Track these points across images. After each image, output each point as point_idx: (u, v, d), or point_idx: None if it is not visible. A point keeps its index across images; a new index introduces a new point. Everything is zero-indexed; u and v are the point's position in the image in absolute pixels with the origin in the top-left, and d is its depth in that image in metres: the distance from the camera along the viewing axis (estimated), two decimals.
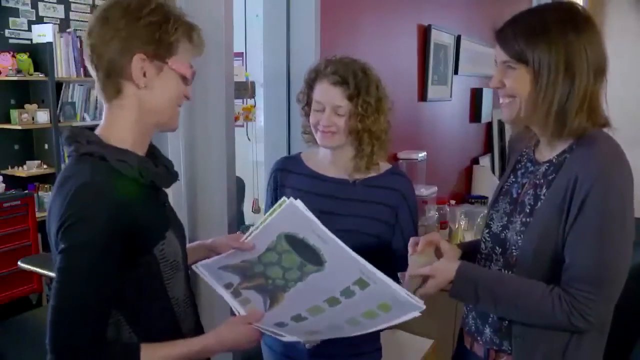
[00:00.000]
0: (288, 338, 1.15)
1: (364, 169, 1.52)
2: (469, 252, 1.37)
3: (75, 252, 0.95)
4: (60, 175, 1.04)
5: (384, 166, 1.57)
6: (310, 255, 1.12)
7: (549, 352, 1.20)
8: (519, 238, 1.22)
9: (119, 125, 1.07)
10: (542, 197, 1.20)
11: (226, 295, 1.21)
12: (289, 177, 1.60)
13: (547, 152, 1.25)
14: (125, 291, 1.01)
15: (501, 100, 1.23)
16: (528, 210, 1.22)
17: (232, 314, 1.70)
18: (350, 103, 1.45)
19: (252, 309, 1.18)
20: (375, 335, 1.65)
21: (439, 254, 1.27)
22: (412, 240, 1.28)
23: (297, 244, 1.12)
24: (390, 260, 1.49)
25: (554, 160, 1.22)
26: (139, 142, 1.10)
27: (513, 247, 1.23)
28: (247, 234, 1.19)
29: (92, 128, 1.10)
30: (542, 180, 1.22)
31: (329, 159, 1.56)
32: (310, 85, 1.52)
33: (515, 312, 1.19)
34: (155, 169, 1.10)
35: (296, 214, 1.10)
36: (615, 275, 1.12)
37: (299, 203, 1.09)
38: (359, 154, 1.51)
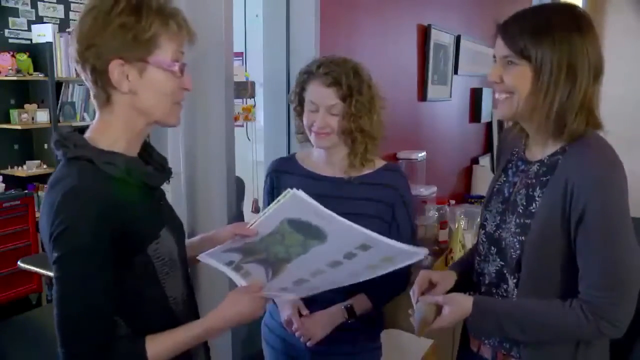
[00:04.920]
0: (285, 295, 1.16)
1: (359, 165, 1.53)
2: (463, 270, 1.39)
3: (68, 260, 0.95)
4: (50, 178, 1.04)
5: (379, 163, 1.58)
6: (313, 233, 1.12)
7: (557, 355, 1.21)
8: (515, 240, 1.21)
9: (110, 130, 1.06)
10: (536, 198, 1.20)
11: (227, 271, 1.20)
12: (284, 178, 1.60)
13: (538, 152, 1.25)
14: (122, 292, 1.01)
15: (497, 96, 1.22)
16: (521, 211, 1.22)
17: None
18: (344, 103, 1.46)
19: (254, 280, 1.17)
20: (376, 334, 1.66)
21: (433, 286, 1.30)
22: (411, 290, 1.29)
23: (300, 225, 1.13)
24: None
25: (545, 161, 1.21)
26: (132, 143, 1.08)
27: (511, 250, 1.23)
28: (251, 222, 1.19)
29: (87, 127, 1.09)
30: (534, 180, 1.22)
31: (323, 158, 1.57)
32: (302, 86, 1.53)
33: (544, 335, 1.18)
34: (144, 168, 1.09)
35: (300, 204, 1.11)
36: (632, 274, 1.12)
37: (301, 193, 1.10)
38: (353, 152, 1.52)
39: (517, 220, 1.22)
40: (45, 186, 4.00)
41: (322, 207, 1.10)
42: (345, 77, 1.45)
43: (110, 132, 1.06)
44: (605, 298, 1.11)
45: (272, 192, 1.62)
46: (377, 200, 1.52)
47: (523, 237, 1.20)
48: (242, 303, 1.12)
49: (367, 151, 1.52)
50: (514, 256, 1.22)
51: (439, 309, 1.23)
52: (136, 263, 1.04)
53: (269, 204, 1.62)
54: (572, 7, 1.19)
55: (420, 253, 1.11)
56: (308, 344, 1.47)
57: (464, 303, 1.21)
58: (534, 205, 1.20)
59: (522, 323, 1.18)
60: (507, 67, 1.17)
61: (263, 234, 1.17)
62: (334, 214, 1.10)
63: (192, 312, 1.21)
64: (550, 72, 1.12)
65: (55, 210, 0.95)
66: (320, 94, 1.47)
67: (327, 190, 1.53)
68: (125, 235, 0.99)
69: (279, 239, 1.16)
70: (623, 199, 1.12)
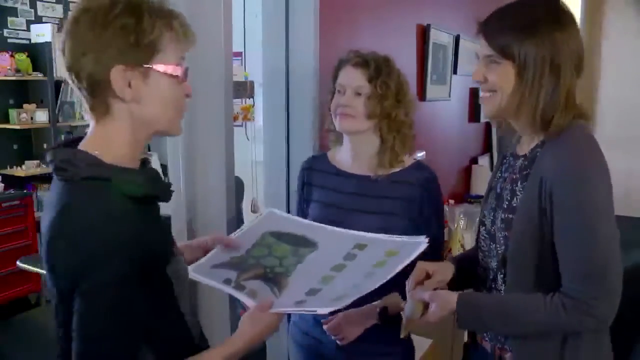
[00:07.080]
0: (322, 310, 1.09)
1: (388, 165, 1.50)
2: (463, 264, 1.38)
3: (101, 292, 0.86)
4: (58, 203, 0.92)
5: (409, 161, 1.55)
6: (300, 241, 1.13)
7: (547, 349, 1.20)
8: (500, 235, 1.22)
9: (112, 144, 0.96)
10: (517, 192, 1.20)
11: (230, 291, 1.16)
12: (315, 175, 1.61)
13: (525, 146, 1.25)
14: (147, 318, 0.95)
15: (482, 94, 1.23)
16: (506, 206, 1.23)
17: (231, 316, 1.70)
18: (370, 85, 1.46)
19: (262, 298, 1.14)
20: (407, 337, 1.57)
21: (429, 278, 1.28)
22: (407, 281, 1.26)
23: (284, 236, 1.14)
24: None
25: (527, 155, 1.22)
26: (136, 157, 1.01)
27: (497, 245, 1.24)
28: (231, 235, 1.21)
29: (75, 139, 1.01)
30: (517, 175, 1.23)
31: (351, 154, 1.56)
32: (335, 75, 1.54)
33: (525, 328, 1.18)
34: (160, 183, 1.03)
35: (277, 218, 1.12)
36: (612, 267, 1.11)
37: (277, 211, 1.13)
38: (382, 147, 1.50)
39: (502, 216, 1.23)
40: (45, 186, 3.97)
41: (299, 219, 1.12)
42: (374, 61, 1.48)
43: (113, 147, 0.97)
44: (584, 292, 1.10)
45: (303, 188, 1.63)
46: (402, 198, 1.48)
47: (507, 233, 1.21)
48: (262, 322, 1.08)
49: (396, 146, 1.49)
50: (499, 251, 1.23)
51: (426, 305, 1.23)
52: (156, 285, 0.97)
53: (300, 200, 1.65)
54: (552, 2, 1.18)
55: (422, 241, 1.11)
56: (340, 343, 1.45)
57: (449, 298, 1.21)
58: (515, 199, 1.21)
59: (504, 317, 1.18)
60: (490, 66, 1.18)
61: (247, 247, 1.17)
62: (314, 223, 1.11)
63: (199, 327, 1.16)
64: (534, 70, 1.12)
65: (82, 240, 0.86)
66: (348, 75, 1.49)
67: (353, 188, 1.52)
68: (151, 257, 0.93)
69: (266, 250, 1.16)
70: (597, 192, 1.10)
